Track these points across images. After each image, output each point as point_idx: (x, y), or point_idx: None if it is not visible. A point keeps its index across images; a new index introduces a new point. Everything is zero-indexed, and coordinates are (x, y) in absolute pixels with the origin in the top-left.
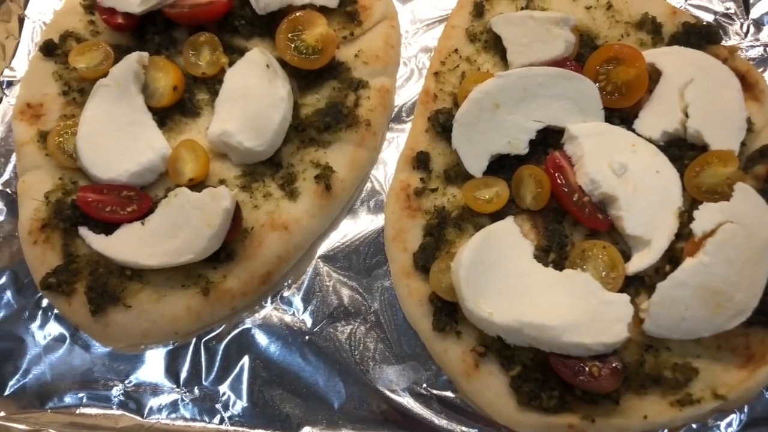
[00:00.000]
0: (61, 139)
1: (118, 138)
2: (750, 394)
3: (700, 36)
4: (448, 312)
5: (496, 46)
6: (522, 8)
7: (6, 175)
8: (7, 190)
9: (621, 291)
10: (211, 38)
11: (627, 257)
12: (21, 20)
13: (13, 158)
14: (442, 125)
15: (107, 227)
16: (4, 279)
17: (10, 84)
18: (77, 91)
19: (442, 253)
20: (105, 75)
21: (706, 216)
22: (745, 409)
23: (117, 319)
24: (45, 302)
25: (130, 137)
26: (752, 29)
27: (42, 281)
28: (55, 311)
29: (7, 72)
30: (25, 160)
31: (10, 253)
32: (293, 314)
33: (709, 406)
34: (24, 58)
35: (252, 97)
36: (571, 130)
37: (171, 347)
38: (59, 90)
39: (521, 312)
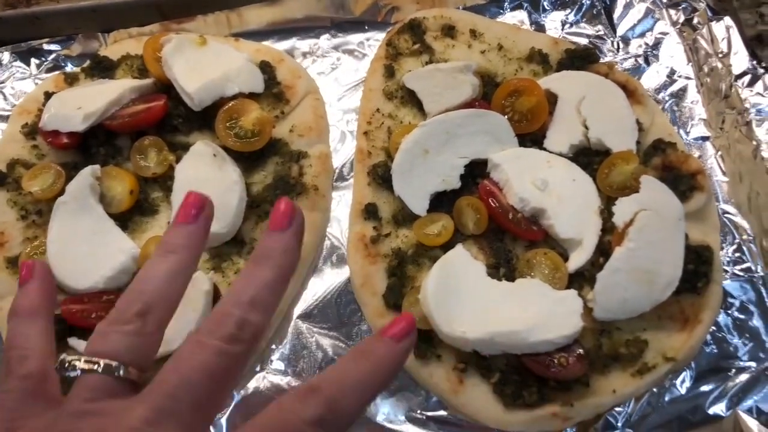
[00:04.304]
0: None
1: (86, 249)
2: (694, 351)
3: (582, 58)
4: (426, 339)
5: (411, 99)
6: (426, 63)
7: None
8: None
9: (567, 288)
10: (156, 140)
11: (565, 258)
12: None
13: None
14: (381, 177)
15: None
16: None
17: None
18: (35, 213)
19: (407, 289)
20: (60, 193)
21: (623, 209)
22: (692, 365)
23: None
24: None
25: (98, 245)
26: (621, 45)
27: None
28: None
29: None
30: None
31: None
32: (284, 374)
33: (663, 369)
34: None
35: (206, 185)
36: (493, 159)
37: None
38: (17, 216)
39: (490, 325)
